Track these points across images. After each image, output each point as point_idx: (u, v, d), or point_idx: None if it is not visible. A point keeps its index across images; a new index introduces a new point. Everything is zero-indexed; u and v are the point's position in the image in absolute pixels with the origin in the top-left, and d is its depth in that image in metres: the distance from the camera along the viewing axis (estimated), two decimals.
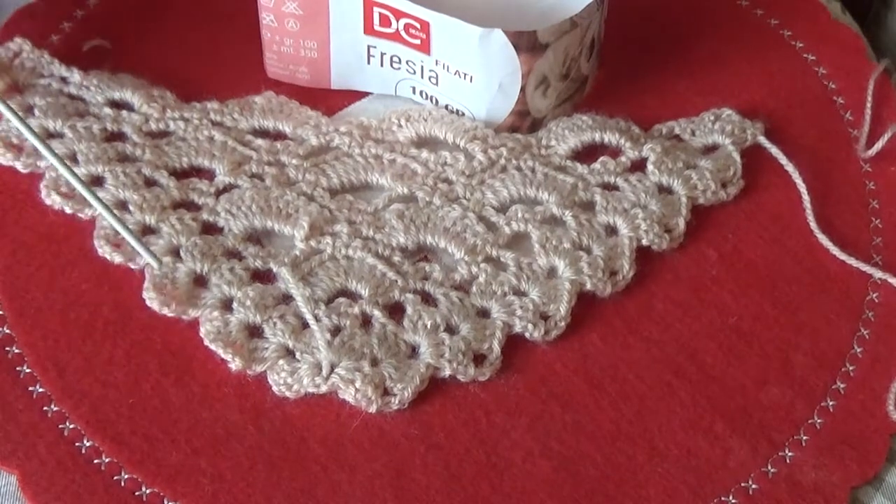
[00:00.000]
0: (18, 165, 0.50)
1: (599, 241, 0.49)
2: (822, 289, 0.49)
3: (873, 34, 0.65)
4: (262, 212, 0.49)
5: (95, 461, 0.42)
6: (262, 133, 0.52)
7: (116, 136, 0.51)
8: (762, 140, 0.53)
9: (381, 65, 0.53)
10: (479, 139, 0.52)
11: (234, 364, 0.44)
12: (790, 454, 0.44)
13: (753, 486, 0.44)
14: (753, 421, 0.45)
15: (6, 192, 0.50)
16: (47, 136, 0.51)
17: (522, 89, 0.50)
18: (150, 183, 0.50)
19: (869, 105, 0.56)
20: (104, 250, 0.47)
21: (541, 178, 0.51)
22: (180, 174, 0.50)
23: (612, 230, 0.50)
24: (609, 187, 0.51)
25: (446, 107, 0.53)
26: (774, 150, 0.53)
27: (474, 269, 0.48)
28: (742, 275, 0.49)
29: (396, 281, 0.47)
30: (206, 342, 0.45)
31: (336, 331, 0.45)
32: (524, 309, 0.46)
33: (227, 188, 0.50)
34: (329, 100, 0.54)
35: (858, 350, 0.48)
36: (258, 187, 0.50)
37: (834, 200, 0.52)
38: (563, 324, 0.47)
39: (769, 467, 0.44)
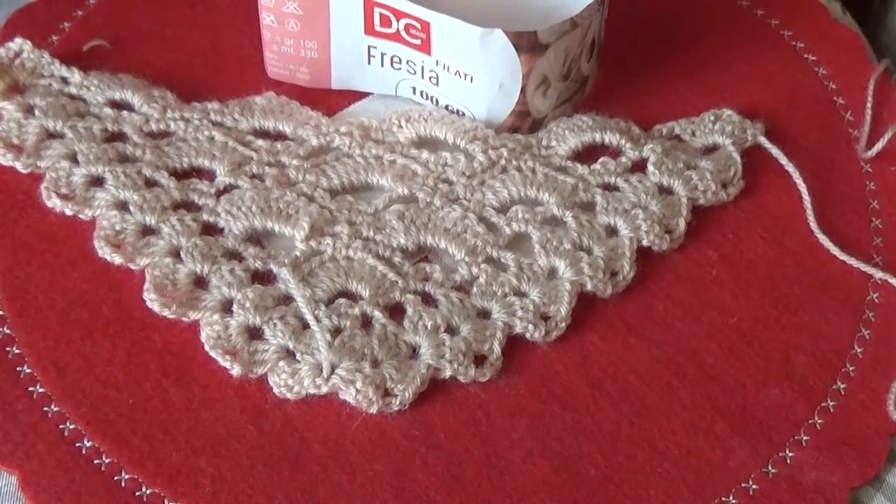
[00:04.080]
0: (18, 166, 0.50)
1: (600, 241, 0.49)
2: (823, 289, 0.49)
3: (873, 34, 0.65)
4: (262, 212, 0.49)
5: (96, 461, 0.42)
6: (262, 133, 0.52)
7: (117, 137, 0.51)
8: (762, 140, 0.53)
9: (382, 65, 0.53)
10: (479, 140, 0.52)
11: (234, 371, 0.44)
12: (790, 454, 0.44)
13: (754, 487, 0.44)
14: (754, 421, 0.45)
15: (6, 192, 0.50)
16: (47, 136, 0.51)
17: (523, 90, 0.50)
18: (150, 183, 0.50)
19: (869, 105, 0.56)
20: (104, 251, 0.47)
21: (541, 179, 0.51)
22: (181, 175, 0.50)
23: (612, 231, 0.50)
24: (609, 188, 0.51)
25: (447, 107, 0.53)
26: (775, 151, 0.53)
27: (475, 270, 0.48)
28: (742, 275, 0.49)
29: (397, 282, 0.47)
30: (206, 348, 0.45)
31: (336, 332, 0.45)
32: (525, 310, 0.46)
33: (228, 189, 0.50)
34: (329, 100, 0.54)
35: (859, 350, 0.48)
36: (258, 188, 0.50)
37: (834, 201, 0.52)
38: (563, 324, 0.47)
39: (769, 467, 0.44)
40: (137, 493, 0.42)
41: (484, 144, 0.51)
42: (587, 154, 0.52)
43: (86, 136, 0.50)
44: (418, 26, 0.50)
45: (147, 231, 0.48)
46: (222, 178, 0.50)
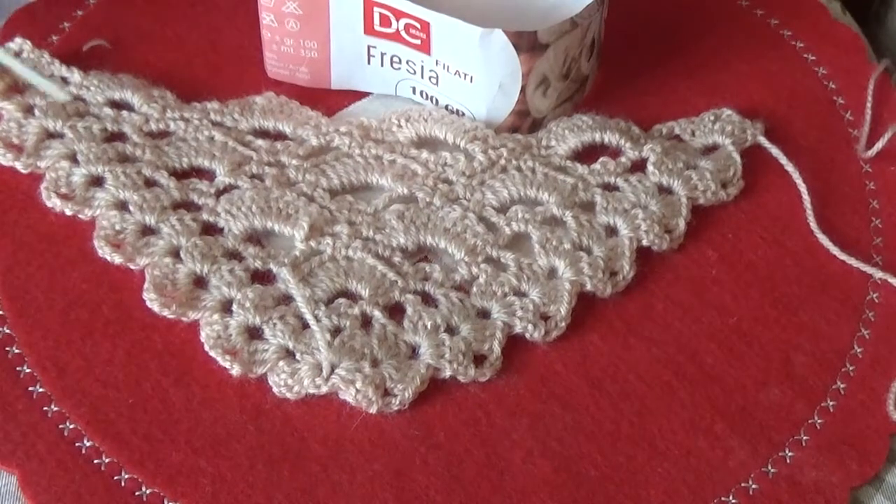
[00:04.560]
0: (18, 166, 0.50)
1: (600, 241, 0.49)
2: (823, 289, 0.49)
3: (873, 34, 0.65)
4: (262, 212, 0.49)
5: (95, 461, 0.42)
6: (262, 133, 0.52)
7: (116, 137, 0.51)
8: (762, 140, 0.53)
9: (382, 65, 0.53)
10: (479, 139, 0.52)
11: (234, 370, 0.44)
12: (790, 454, 0.44)
13: (754, 487, 0.44)
14: (753, 421, 0.45)
15: (6, 192, 0.50)
16: (47, 136, 0.51)
17: (523, 89, 0.51)
18: (150, 183, 0.50)
19: (869, 105, 0.56)
20: (104, 251, 0.47)
21: (541, 179, 0.51)
22: (180, 174, 0.50)
23: (612, 231, 0.50)
24: (609, 188, 0.51)
25: (446, 107, 0.53)
26: (775, 151, 0.53)
27: (474, 270, 0.48)
28: (742, 275, 0.49)
29: (396, 281, 0.47)
30: (206, 348, 0.45)
31: (336, 331, 0.45)
32: (524, 309, 0.46)
33: (228, 188, 0.50)
34: (329, 100, 0.54)
35: (858, 350, 0.48)
36: (258, 188, 0.50)
37: (834, 201, 0.52)
38: (563, 324, 0.47)
39: (769, 467, 0.44)
40: (137, 493, 0.42)
41: (484, 144, 0.51)
42: (587, 154, 0.52)
43: (86, 136, 0.50)
44: (418, 26, 0.50)
45: (147, 231, 0.48)
46: (222, 178, 0.50)
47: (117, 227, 0.48)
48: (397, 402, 0.44)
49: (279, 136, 0.52)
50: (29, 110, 0.51)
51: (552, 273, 0.48)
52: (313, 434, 0.43)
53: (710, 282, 0.49)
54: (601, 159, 0.52)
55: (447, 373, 0.45)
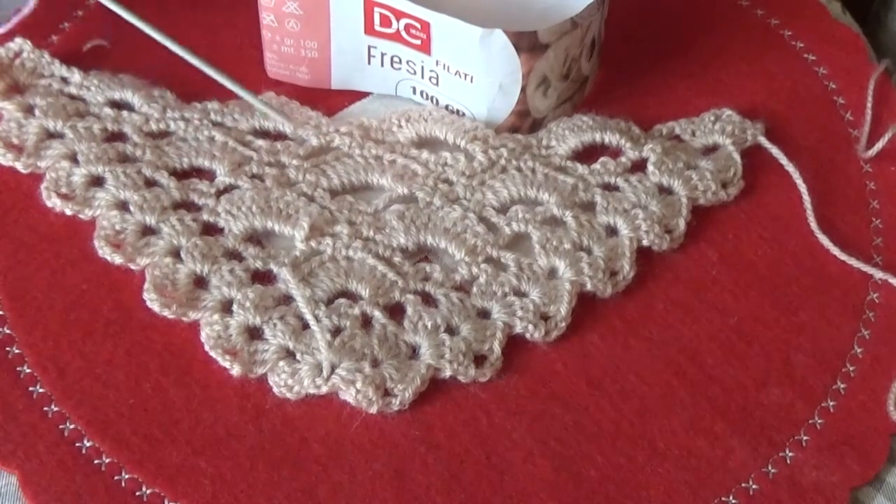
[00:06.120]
0: (19, 166, 0.50)
1: (600, 241, 0.49)
2: (823, 289, 0.49)
3: (873, 34, 0.65)
4: (262, 212, 0.49)
5: (96, 461, 0.42)
6: (262, 133, 0.52)
7: (117, 137, 0.51)
8: (762, 140, 0.53)
9: (382, 65, 0.53)
10: (479, 140, 0.52)
11: (234, 370, 0.44)
12: (790, 454, 0.44)
13: (754, 487, 0.44)
14: (754, 421, 0.45)
15: (6, 192, 0.50)
16: (47, 136, 0.51)
17: (523, 89, 0.50)
18: (150, 183, 0.50)
19: (869, 105, 0.56)
20: (104, 251, 0.47)
21: (541, 179, 0.51)
22: (181, 174, 0.50)
23: (612, 231, 0.50)
24: (609, 188, 0.51)
25: (447, 107, 0.53)
26: (775, 151, 0.53)
27: (475, 270, 0.48)
28: (742, 275, 0.49)
29: (397, 282, 0.47)
30: (206, 348, 0.45)
31: (336, 331, 0.45)
32: (525, 309, 0.46)
33: (228, 189, 0.50)
34: (329, 100, 0.54)
35: (859, 350, 0.48)
36: (258, 188, 0.50)
37: (834, 201, 0.52)
38: (563, 324, 0.47)
39: (769, 468, 0.44)
40: (137, 493, 0.42)
41: (484, 144, 0.51)
42: (587, 154, 0.52)
43: (86, 136, 0.50)
44: (418, 26, 0.50)
45: (147, 231, 0.48)
46: (222, 178, 0.50)
47: (117, 227, 0.48)
48: (397, 403, 0.44)
49: (279, 136, 0.52)
50: (29, 110, 0.51)
51: (552, 273, 0.48)
52: (313, 434, 0.43)
53: (710, 282, 0.49)
54: (601, 159, 0.52)
55: (447, 373, 0.45)
